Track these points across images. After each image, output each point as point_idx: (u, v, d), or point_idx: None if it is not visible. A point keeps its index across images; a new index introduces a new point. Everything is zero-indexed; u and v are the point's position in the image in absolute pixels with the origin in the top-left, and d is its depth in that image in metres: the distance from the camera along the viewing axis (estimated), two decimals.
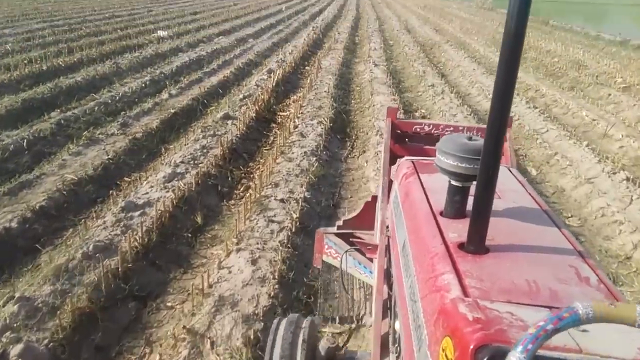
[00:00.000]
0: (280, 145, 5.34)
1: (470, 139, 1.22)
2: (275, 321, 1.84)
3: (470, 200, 1.12)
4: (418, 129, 2.15)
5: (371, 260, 2.14)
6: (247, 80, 8.68)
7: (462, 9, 29.60)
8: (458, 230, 1.16)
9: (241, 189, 4.53)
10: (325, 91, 7.64)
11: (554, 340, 0.70)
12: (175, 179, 4.29)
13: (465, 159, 1.17)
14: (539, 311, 0.87)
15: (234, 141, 5.30)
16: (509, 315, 0.84)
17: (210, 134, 5.56)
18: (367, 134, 5.92)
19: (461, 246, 1.10)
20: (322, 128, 5.85)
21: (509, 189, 1.45)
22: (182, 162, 4.68)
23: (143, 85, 7.60)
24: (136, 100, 7.00)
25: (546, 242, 1.15)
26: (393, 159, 1.97)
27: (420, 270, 1.11)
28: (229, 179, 4.65)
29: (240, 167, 4.96)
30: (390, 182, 1.84)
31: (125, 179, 4.56)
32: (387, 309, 1.62)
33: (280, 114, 6.73)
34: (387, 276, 1.63)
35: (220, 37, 13.49)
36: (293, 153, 5.08)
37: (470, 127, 2.08)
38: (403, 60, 11.47)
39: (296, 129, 5.86)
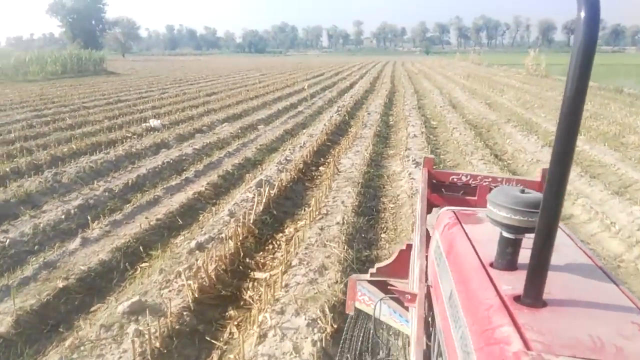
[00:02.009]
0: None
1: (523, 191, 1.21)
2: None
3: (521, 253, 1.15)
4: (455, 179, 2.16)
5: (407, 309, 2.07)
6: (224, 199, 5.97)
7: (511, 77, 27.03)
8: (511, 282, 1.13)
9: None
10: (338, 223, 4.80)
11: None
12: None
13: (518, 212, 1.15)
14: None
15: None
16: None
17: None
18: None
19: (517, 299, 1.06)
20: (318, 336, 2.91)
21: (560, 243, 1.34)
22: None
23: (63, 216, 5.00)
24: (24, 256, 4.29)
25: (605, 298, 1.10)
26: (429, 209, 2.01)
27: (474, 322, 1.07)
28: None
29: None
30: (427, 232, 1.86)
31: None
32: (427, 359, 1.55)
33: (249, 289, 3.83)
34: (426, 325, 1.56)
35: (224, 124, 11.18)
36: None
37: (510, 179, 2.07)
38: (454, 152, 8.61)
39: (271, 331, 2.95)
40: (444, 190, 2.20)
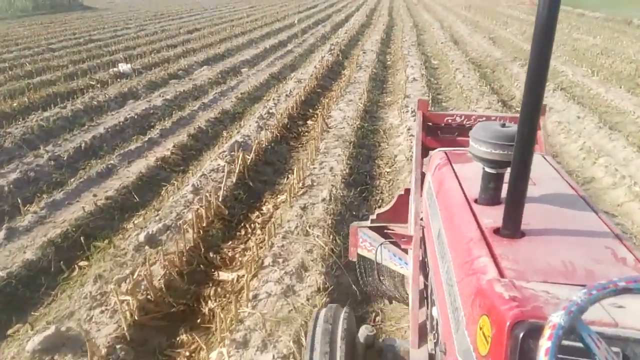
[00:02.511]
0: None
1: (503, 125, 1.21)
2: (315, 312, 1.82)
3: (505, 187, 1.12)
4: (450, 121, 2.13)
5: (406, 251, 2.12)
6: (193, 166, 5.09)
7: (514, 7, 25.14)
8: (493, 216, 1.16)
9: None
10: (324, 199, 3.97)
11: (590, 315, 0.70)
12: None
13: (498, 146, 1.16)
14: (574, 290, 0.78)
15: None
16: (545, 293, 0.86)
17: None
18: None
19: (496, 231, 1.10)
20: None
21: (543, 175, 1.43)
22: None
23: None
24: None
25: (582, 225, 1.14)
26: (425, 151, 1.99)
27: (456, 256, 1.12)
28: None
29: None
30: (423, 175, 1.85)
31: None
32: (424, 298, 1.67)
33: (210, 297, 3.03)
34: (423, 266, 1.65)
35: (204, 67, 10.02)
36: None
37: (503, 117, 2.03)
38: (457, 98, 7.62)
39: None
40: (440, 132, 2.16)
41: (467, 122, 2.09)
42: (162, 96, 7.66)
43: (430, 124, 2.15)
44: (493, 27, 16.22)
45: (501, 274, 0.93)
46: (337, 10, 25.96)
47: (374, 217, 2.44)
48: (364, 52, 11.56)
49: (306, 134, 6.15)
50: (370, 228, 2.34)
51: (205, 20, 20.70)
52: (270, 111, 6.59)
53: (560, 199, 1.28)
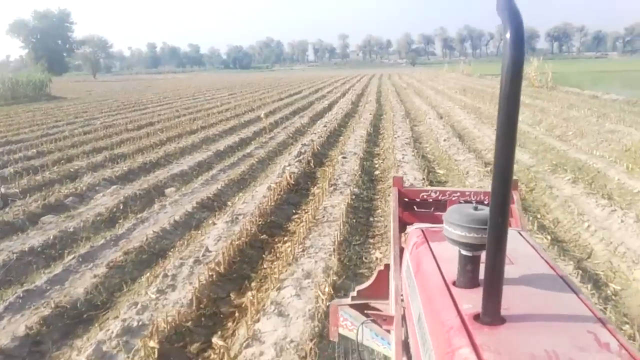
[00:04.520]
0: None
1: (476, 208, 1.22)
2: None
3: (483, 268, 1.08)
4: (425, 196, 2.18)
5: (388, 331, 2.01)
6: None
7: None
8: (472, 300, 1.13)
9: None
10: None
11: None
12: None
13: (472, 229, 1.16)
14: None
15: None
16: None
17: None
18: None
19: (476, 317, 1.07)
20: None
21: (521, 253, 1.40)
22: None
23: None
24: None
25: (563, 308, 1.11)
26: (402, 226, 1.98)
27: (437, 345, 1.09)
28: None
29: None
30: (402, 251, 1.84)
31: None
32: None
33: None
34: (406, 347, 1.55)
35: (112, 187, 6.97)
36: None
37: (477, 192, 2.09)
38: None
39: None
40: (416, 207, 2.19)
41: (442, 197, 2.12)
42: (9, 252, 4.51)
43: (406, 199, 2.18)
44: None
45: None
46: (322, 96, 23.94)
47: (354, 293, 2.27)
48: (343, 157, 8.67)
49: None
50: (351, 306, 2.23)
51: (169, 111, 18.25)
52: (140, 320, 3.37)
53: (539, 279, 1.25)
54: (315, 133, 11.62)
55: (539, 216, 5.62)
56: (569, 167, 7.41)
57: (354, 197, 6.20)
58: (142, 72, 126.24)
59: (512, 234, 1.30)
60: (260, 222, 5.27)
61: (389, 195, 6.36)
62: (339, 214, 5.42)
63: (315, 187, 7.10)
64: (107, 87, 42.85)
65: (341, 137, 11.49)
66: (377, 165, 8.44)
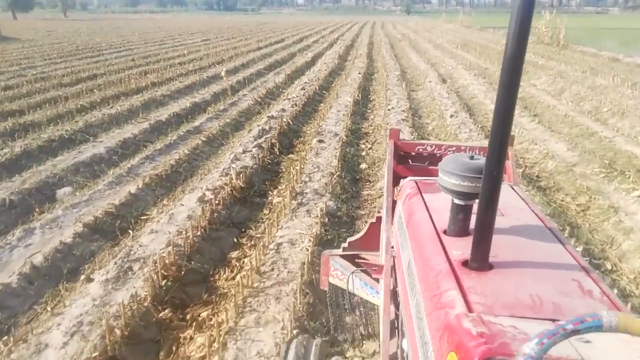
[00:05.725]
0: None
1: (472, 157, 1.22)
2: (285, 343, 1.89)
3: (474, 219, 1.11)
4: (421, 150, 2.17)
5: (377, 280, 2.10)
6: None
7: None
8: (462, 248, 1.16)
9: None
10: None
11: (556, 351, 0.70)
12: None
13: (467, 178, 1.17)
14: (542, 324, 0.85)
15: None
16: (513, 328, 0.85)
17: None
18: None
19: (465, 263, 1.10)
20: None
21: (512, 206, 1.44)
22: None
23: None
24: None
25: (550, 257, 1.15)
26: (396, 180, 1.98)
27: (425, 289, 1.11)
28: None
29: None
30: (394, 203, 1.85)
31: None
32: (395, 328, 1.62)
33: None
34: (394, 296, 1.61)
35: None
36: None
37: (473, 147, 2.07)
38: None
39: None
40: (411, 161, 2.19)
41: (438, 152, 2.12)
42: None
43: (401, 153, 2.18)
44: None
45: (469, 308, 0.93)
46: (306, 46, 21.20)
47: (345, 245, 2.37)
48: (320, 141, 6.47)
49: None
50: (342, 256, 2.30)
51: (125, 60, 15.55)
52: None
53: (528, 230, 1.28)
54: (289, 99, 9.29)
55: (609, 266, 3.61)
56: (626, 167, 5.34)
57: (327, 219, 4.09)
58: (118, 12, 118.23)
59: (504, 187, 1.33)
60: (162, 285, 3.15)
61: (379, 212, 4.30)
62: (298, 266, 3.33)
63: (276, 192, 4.97)
64: (73, 28, 38.94)
65: (321, 105, 9.21)
66: (363, 154, 6.28)
